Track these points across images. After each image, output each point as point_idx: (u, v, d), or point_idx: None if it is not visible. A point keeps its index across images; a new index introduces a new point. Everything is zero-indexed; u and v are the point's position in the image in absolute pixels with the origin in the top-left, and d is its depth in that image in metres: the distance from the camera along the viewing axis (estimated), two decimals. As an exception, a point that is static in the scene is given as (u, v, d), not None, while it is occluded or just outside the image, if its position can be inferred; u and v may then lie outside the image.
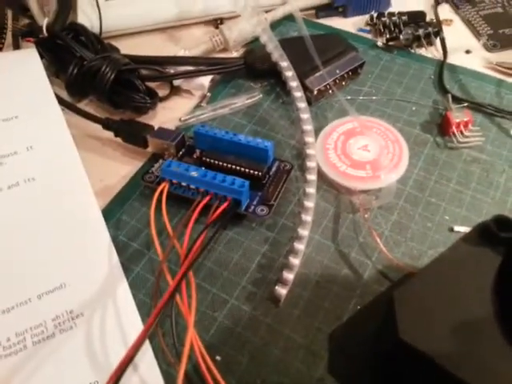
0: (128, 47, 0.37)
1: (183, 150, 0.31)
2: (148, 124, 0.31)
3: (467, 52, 0.39)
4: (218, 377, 0.20)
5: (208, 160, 0.29)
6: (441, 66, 0.37)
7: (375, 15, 0.40)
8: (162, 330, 0.23)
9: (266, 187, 0.28)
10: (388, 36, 0.39)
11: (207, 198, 0.27)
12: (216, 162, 0.29)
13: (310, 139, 0.29)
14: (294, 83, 0.31)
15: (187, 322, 0.21)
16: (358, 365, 0.23)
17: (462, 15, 0.43)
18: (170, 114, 0.35)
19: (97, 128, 0.32)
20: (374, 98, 0.35)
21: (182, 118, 0.33)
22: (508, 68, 0.37)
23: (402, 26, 0.39)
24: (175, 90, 0.36)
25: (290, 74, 0.32)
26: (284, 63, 0.32)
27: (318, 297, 0.25)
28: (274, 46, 0.33)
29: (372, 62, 0.38)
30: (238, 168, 0.29)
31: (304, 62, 0.34)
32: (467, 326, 0.18)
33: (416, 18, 0.39)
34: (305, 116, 0.30)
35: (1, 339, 0.23)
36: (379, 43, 0.39)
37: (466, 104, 0.34)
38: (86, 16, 0.38)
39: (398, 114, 0.34)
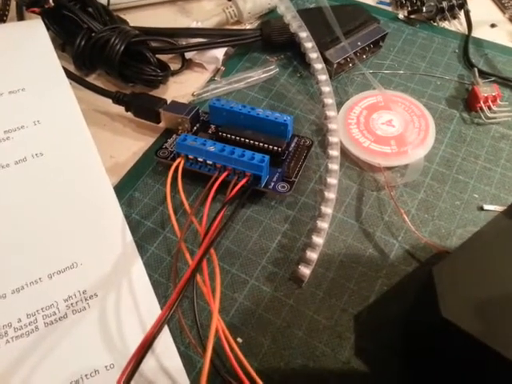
0: (137, 20, 0.36)
1: (197, 125, 0.29)
2: (160, 97, 0.30)
3: (492, 26, 0.37)
4: (243, 360, 0.19)
5: (224, 135, 0.28)
6: (466, 39, 0.35)
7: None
8: (181, 310, 0.22)
9: (287, 163, 0.27)
10: (410, 8, 0.37)
11: (225, 174, 0.25)
12: (233, 137, 0.28)
13: (331, 113, 0.28)
14: (314, 55, 0.30)
15: (211, 307, 0.20)
16: (386, 347, 0.21)
17: (486, -12, 0.41)
18: (182, 88, 0.33)
19: (106, 102, 0.31)
20: (397, 72, 0.33)
21: (195, 93, 0.32)
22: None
23: (424, -3, 0.37)
24: (187, 64, 0.34)
25: (309, 45, 0.30)
26: (303, 34, 0.30)
27: (342, 277, 0.24)
28: (293, 15, 0.31)
29: (393, 36, 0.36)
30: (256, 143, 0.27)
31: (323, 33, 0.32)
32: (511, 303, 0.17)
33: (439, -11, 0.37)
34: (326, 89, 0.29)
35: (11, 320, 0.22)
36: (400, 16, 0.38)
37: (493, 79, 0.32)
38: (93, -14, 0.36)
39: (423, 88, 0.32)
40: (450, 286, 0.17)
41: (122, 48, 0.31)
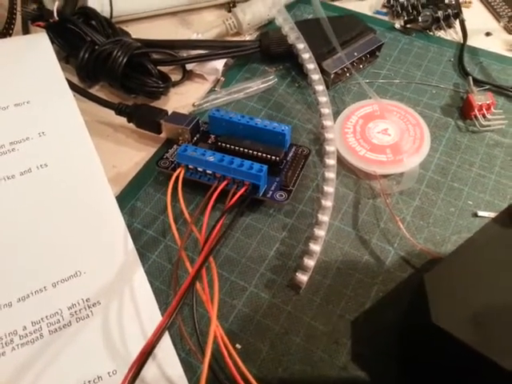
0: (139, 32, 0.37)
1: (198, 136, 0.30)
2: (162, 108, 0.30)
3: (487, 34, 0.38)
4: (242, 366, 0.20)
5: (224, 145, 0.28)
6: (461, 48, 0.36)
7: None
8: (181, 317, 0.23)
9: (284, 172, 0.28)
10: (406, 18, 0.38)
11: (224, 183, 0.26)
12: (232, 146, 0.28)
13: (328, 123, 0.29)
14: (311, 65, 0.31)
15: (210, 314, 0.20)
16: (382, 352, 0.22)
17: (481, -4, 0.42)
18: (182, 99, 0.34)
19: (109, 114, 0.31)
20: (393, 81, 0.34)
21: (196, 103, 0.33)
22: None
23: (420, 7, 0.38)
24: (188, 75, 0.35)
25: (307, 56, 0.31)
26: (301, 45, 0.31)
27: (339, 284, 0.24)
28: (290, 27, 0.32)
29: (390, 45, 0.37)
30: (254, 153, 0.28)
31: (320, 44, 0.33)
32: (501, 309, 0.18)
33: (434, -1, 0.38)
34: (323, 99, 0.29)
35: (17, 328, 0.22)
36: (397, 26, 0.38)
37: (487, 87, 0.33)
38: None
39: (418, 97, 0.33)
40: (441, 293, 0.18)
41: (125, 60, 0.32)
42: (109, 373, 0.21)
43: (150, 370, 0.21)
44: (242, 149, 0.28)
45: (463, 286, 0.18)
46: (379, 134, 0.29)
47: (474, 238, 0.21)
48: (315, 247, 0.24)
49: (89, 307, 0.23)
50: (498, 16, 0.39)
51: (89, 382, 0.21)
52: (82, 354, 0.22)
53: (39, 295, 0.23)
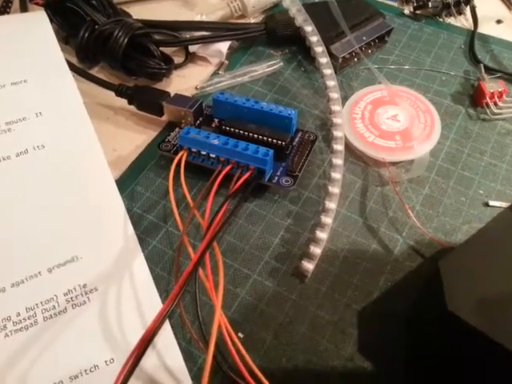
0: (140, 13, 0.35)
1: (201, 119, 0.29)
2: (164, 90, 0.29)
3: (498, 22, 0.37)
4: (246, 355, 0.19)
5: (228, 129, 0.27)
6: (471, 35, 0.35)
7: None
8: (182, 304, 0.22)
9: (291, 157, 0.27)
10: (415, 4, 0.37)
11: (228, 167, 0.25)
12: (236, 130, 0.27)
13: (336, 107, 0.28)
14: (319, 48, 0.30)
15: (213, 302, 0.20)
16: (389, 342, 0.21)
17: (492, -16, 0.41)
18: (185, 82, 0.33)
19: (109, 95, 0.30)
20: (402, 67, 0.33)
21: (199, 86, 0.32)
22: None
23: (430, -7, 0.37)
24: (191, 57, 0.34)
25: (315, 39, 0.30)
26: (308, 28, 0.30)
27: (346, 273, 0.24)
28: (298, 9, 0.31)
29: (399, 31, 0.36)
30: (259, 137, 0.27)
31: (328, 27, 0.32)
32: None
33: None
34: (331, 83, 0.28)
35: (11, 314, 0.21)
36: (406, 11, 0.37)
37: (499, 75, 0.32)
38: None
39: (428, 84, 0.32)
40: (457, 280, 0.17)
41: (126, 40, 0.30)
42: (106, 361, 0.20)
43: (149, 359, 0.20)
44: (246, 133, 0.27)
45: (478, 274, 0.18)
46: (388, 120, 0.28)
47: (489, 227, 0.20)
48: (322, 235, 0.24)
49: (86, 293, 0.22)
50: (509, 3, 0.38)
51: (85, 370, 0.20)
52: (78, 341, 0.21)
53: (34, 280, 0.22)
